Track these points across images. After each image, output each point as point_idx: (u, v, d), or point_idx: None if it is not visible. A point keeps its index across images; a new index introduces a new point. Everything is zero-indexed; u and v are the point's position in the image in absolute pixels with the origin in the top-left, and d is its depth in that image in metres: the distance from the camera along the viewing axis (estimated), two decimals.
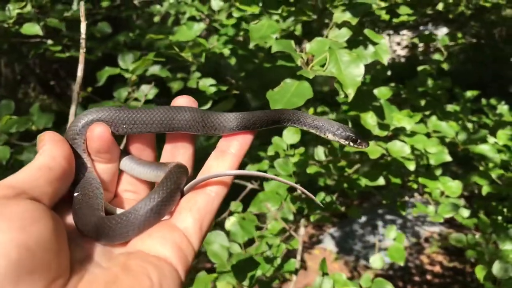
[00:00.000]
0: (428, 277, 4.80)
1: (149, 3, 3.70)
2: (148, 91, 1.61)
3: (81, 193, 0.65)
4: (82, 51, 1.03)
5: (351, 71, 1.20)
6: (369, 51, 1.57)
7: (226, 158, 0.71)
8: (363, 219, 5.67)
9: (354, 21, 1.43)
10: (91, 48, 2.88)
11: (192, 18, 2.75)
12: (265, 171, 2.10)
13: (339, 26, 1.47)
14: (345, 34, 1.44)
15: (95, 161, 0.70)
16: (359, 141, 0.79)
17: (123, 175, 0.75)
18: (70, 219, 0.64)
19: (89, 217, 0.62)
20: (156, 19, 3.60)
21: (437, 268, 4.93)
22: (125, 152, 0.74)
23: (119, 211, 0.68)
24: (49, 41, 2.87)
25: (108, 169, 0.71)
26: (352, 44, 1.48)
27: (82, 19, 1.06)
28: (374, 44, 1.59)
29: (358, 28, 1.53)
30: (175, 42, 1.78)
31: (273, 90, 1.19)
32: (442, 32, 8.91)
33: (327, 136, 0.79)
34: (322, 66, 1.29)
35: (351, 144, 0.79)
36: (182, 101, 0.74)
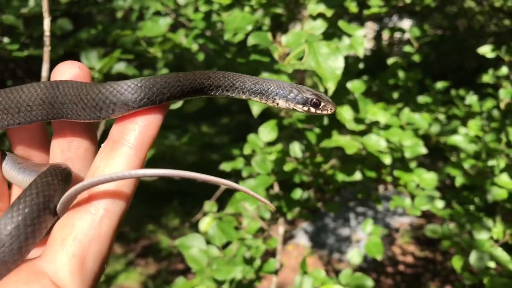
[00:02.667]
0: (401, 267, 4.87)
1: None
2: None
3: None
4: (47, 49, 0.94)
5: (331, 64, 1.15)
6: (344, 44, 1.54)
7: (119, 153, 0.47)
8: None
9: (329, 13, 1.39)
10: (52, 46, 2.75)
11: (157, 13, 2.66)
12: (239, 171, 2.04)
13: (314, 18, 1.43)
14: (320, 26, 1.39)
15: None
16: (322, 103, 0.59)
17: (13, 185, 0.56)
18: None
19: None
20: (119, 14, 3.48)
21: (409, 259, 5.00)
22: (6, 152, 0.55)
23: None
24: (6, 39, 2.72)
25: None
26: (327, 36, 1.45)
27: (46, 14, 0.97)
28: (349, 36, 1.56)
29: (333, 20, 1.50)
30: (143, 37, 1.70)
31: None
32: (406, 23, 9.06)
33: (278, 103, 0.59)
34: (299, 59, 1.25)
35: (312, 109, 0.59)
36: (65, 69, 0.51)
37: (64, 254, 0.43)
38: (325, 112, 0.60)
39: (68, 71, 0.51)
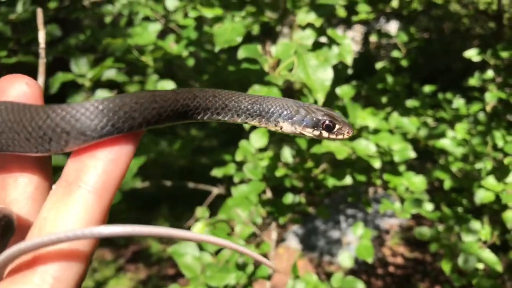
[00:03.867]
0: (391, 269, 4.91)
1: (99, 4, 3.56)
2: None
3: None
4: (42, 61, 0.94)
5: (320, 76, 1.18)
6: (333, 52, 1.56)
7: (76, 199, 0.36)
8: None
9: (318, 23, 1.41)
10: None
11: (146, 19, 2.66)
12: (231, 176, 2.05)
13: (303, 27, 1.45)
14: (309, 35, 1.42)
15: None
16: (337, 126, 0.48)
17: None
18: None
19: None
20: (108, 19, 3.47)
21: (399, 260, 5.05)
22: None
23: None
24: None
25: None
26: (316, 45, 1.47)
27: (40, 27, 0.97)
28: (338, 44, 1.58)
29: (322, 29, 1.52)
30: (134, 45, 1.70)
31: None
32: (392, 26, 9.14)
33: (281, 127, 0.48)
34: (289, 70, 1.27)
35: (325, 134, 0.48)
36: (13, 85, 0.39)
37: None
38: (340, 136, 0.49)
39: (13, 89, 0.39)
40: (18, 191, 0.40)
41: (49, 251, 0.34)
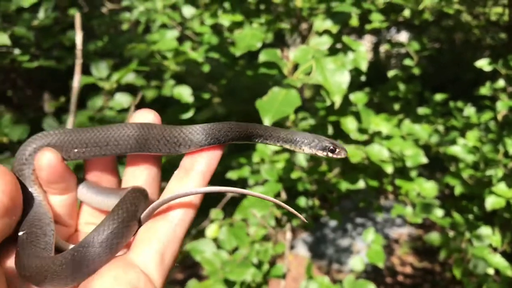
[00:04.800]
0: (400, 278, 4.90)
1: (117, 11, 3.65)
2: (136, 101, 1.59)
3: (26, 231, 0.56)
4: (79, 61, 1.01)
5: (337, 79, 1.23)
6: (349, 58, 1.61)
7: (191, 178, 0.60)
8: (334, 223, 5.75)
9: (334, 29, 1.47)
10: (61, 57, 2.83)
11: (163, 26, 2.73)
12: (245, 179, 2.10)
13: (320, 34, 1.50)
14: (326, 41, 1.47)
15: (48, 193, 0.61)
16: (337, 150, 0.73)
17: (83, 206, 0.66)
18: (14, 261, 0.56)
19: (31, 259, 0.53)
20: (125, 27, 3.56)
21: (408, 269, 5.04)
22: (83, 179, 0.65)
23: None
24: (16, 51, 2.78)
25: (63, 200, 0.62)
26: (332, 51, 1.52)
27: (78, 31, 1.04)
28: (353, 50, 1.63)
29: (338, 36, 1.57)
30: (157, 51, 1.77)
31: (261, 99, 1.20)
32: (403, 36, 9.18)
33: (303, 150, 0.72)
34: (307, 74, 1.32)
35: (330, 154, 0.73)
36: (143, 115, 0.64)
37: (150, 250, 0.56)
38: (339, 156, 0.74)
39: (146, 117, 0.64)
40: (142, 178, 0.65)
41: (176, 203, 0.59)
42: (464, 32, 6.92)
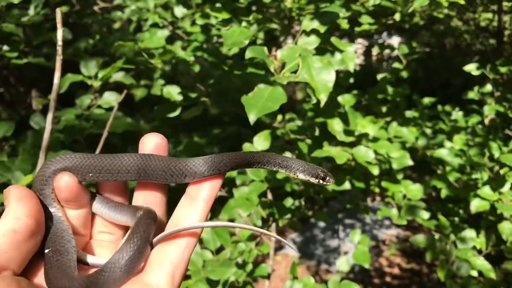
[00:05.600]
0: (387, 279, 4.93)
1: (109, 10, 3.64)
2: (120, 99, 1.58)
3: (51, 249, 0.63)
4: (59, 58, 1.00)
5: (323, 77, 1.23)
6: (336, 59, 1.62)
7: (196, 206, 0.67)
8: (323, 224, 5.78)
9: (322, 29, 1.47)
10: (50, 54, 2.81)
11: (155, 25, 2.73)
12: (233, 179, 2.10)
13: (308, 33, 1.51)
14: (314, 41, 1.47)
15: (65, 207, 0.68)
16: (327, 178, 0.79)
17: (96, 217, 0.73)
18: (42, 277, 0.62)
19: (60, 278, 0.60)
20: (117, 25, 3.55)
21: (395, 270, 5.07)
22: (96, 194, 0.72)
23: (90, 258, 0.68)
24: (5, 47, 2.76)
25: (79, 214, 0.69)
26: (320, 51, 1.53)
27: (59, 26, 1.03)
28: (341, 51, 1.64)
29: (326, 36, 1.58)
30: (144, 48, 1.77)
31: (247, 95, 1.21)
32: (394, 40, 9.24)
33: (297, 175, 0.77)
34: (293, 72, 1.32)
35: (321, 182, 0.79)
36: (151, 139, 0.71)
37: (163, 272, 0.63)
38: (328, 183, 0.80)
39: (153, 140, 0.70)
40: (151, 200, 0.71)
41: (182, 232, 0.65)
42: (454, 37, 6.99)
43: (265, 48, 1.33)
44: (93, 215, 0.72)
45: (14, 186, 0.61)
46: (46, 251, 0.63)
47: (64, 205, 0.68)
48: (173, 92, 2.29)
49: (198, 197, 0.68)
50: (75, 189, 0.66)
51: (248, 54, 1.26)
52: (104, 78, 1.82)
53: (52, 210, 0.66)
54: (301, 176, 0.77)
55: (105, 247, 0.70)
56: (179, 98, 1.99)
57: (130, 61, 1.81)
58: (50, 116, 1.07)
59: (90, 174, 0.68)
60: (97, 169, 0.68)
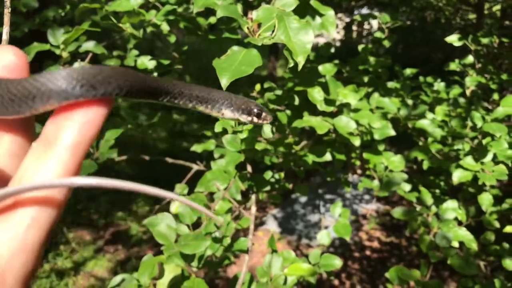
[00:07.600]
0: (367, 252, 4.97)
1: None
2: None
3: None
4: (7, 10, 0.90)
5: (301, 38, 1.15)
6: (316, 23, 1.54)
7: (54, 156, 0.40)
8: (304, 199, 5.79)
9: None
10: (16, 24, 2.66)
11: None
12: (211, 152, 2.03)
13: None
14: (292, 3, 1.39)
15: None
16: (263, 114, 0.62)
17: None
18: None
19: None
20: None
21: (375, 244, 5.11)
22: None
23: None
24: None
25: None
26: (298, 14, 1.44)
27: None
28: (321, 15, 1.56)
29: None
30: (112, 12, 1.65)
31: (219, 58, 1.12)
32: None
33: (223, 114, 0.59)
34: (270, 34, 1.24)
35: (255, 119, 0.62)
36: (3, 57, 0.43)
37: None
38: (265, 121, 0.63)
39: (3, 58, 0.43)
40: (2, 148, 0.43)
41: (28, 197, 0.39)
42: (434, 11, 6.94)
43: (239, 7, 1.24)
44: None
45: None
46: None
47: None
48: (147, 63, 2.19)
49: (58, 140, 0.40)
50: None
51: (219, 13, 1.17)
52: (67, 43, 1.70)
53: None
54: (228, 113, 0.59)
55: None
56: (151, 65, 1.89)
57: (96, 24, 1.70)
58: None
59: None
60: None
